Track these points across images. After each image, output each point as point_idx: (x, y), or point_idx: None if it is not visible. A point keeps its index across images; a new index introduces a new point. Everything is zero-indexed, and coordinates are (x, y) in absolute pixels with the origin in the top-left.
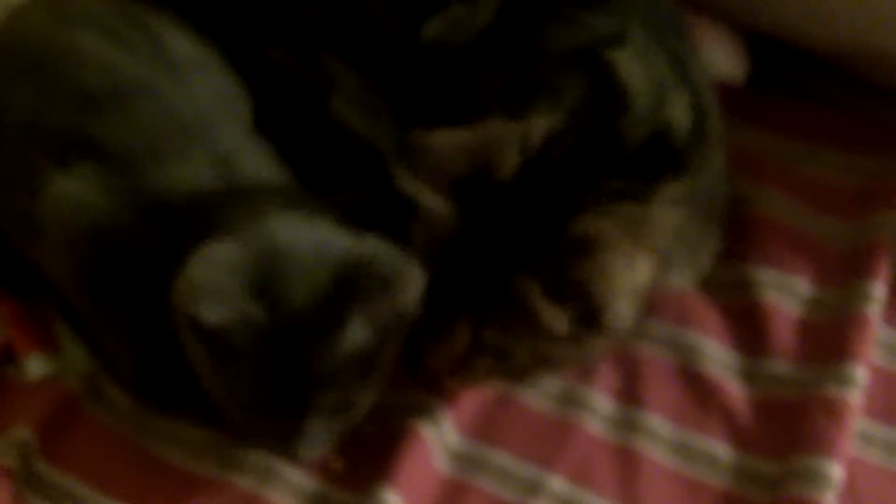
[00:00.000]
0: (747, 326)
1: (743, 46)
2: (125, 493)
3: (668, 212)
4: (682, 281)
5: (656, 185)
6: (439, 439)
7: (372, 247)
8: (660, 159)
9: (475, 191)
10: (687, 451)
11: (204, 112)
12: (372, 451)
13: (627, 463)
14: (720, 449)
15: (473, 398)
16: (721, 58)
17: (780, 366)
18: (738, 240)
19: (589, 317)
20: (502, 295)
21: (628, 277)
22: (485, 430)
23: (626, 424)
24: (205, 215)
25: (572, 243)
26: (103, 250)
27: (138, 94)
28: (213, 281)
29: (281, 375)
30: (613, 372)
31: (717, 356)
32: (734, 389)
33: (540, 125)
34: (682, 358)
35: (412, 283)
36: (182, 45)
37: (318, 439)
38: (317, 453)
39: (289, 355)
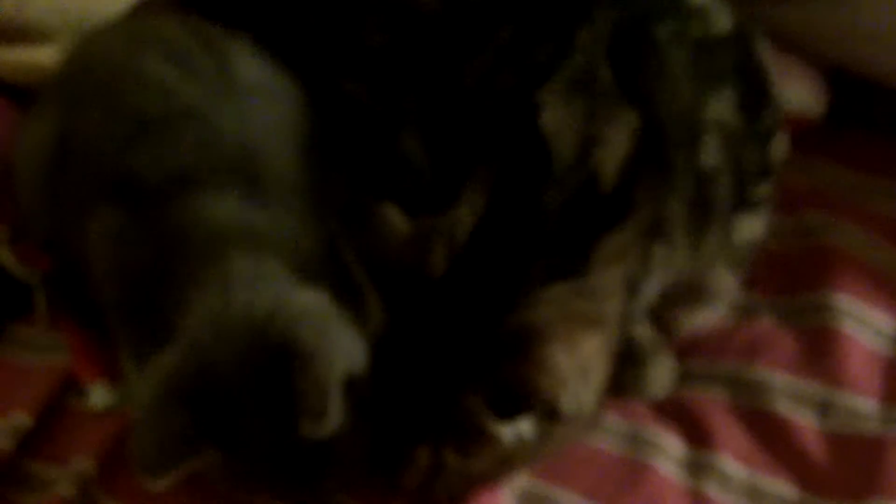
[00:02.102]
0: (822, 357)
1: (822, 81)
2: None
3: (609, 271)
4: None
5: (589, 249)
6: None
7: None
8: (589, 209)
9: (408, 289)
10: (758, 495)
11: (256, 140)
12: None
13: None
14: (791, 491)
15: None
16: (800, 93)
17: (856, 400)
18: (813, 272)
19: (545, 413)
20: (453, 415)
21: (573, 363)
22: (552, 469)
23: (697, 467)
24: (204, 261)
25: (508, 341)
26: (141, 287)
27: (188, 119)
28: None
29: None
30: (681, 415)
31: (788, 389)
32: (806, 423)
33: (465, 218)
34: (750, 397)
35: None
36: (251, 70)
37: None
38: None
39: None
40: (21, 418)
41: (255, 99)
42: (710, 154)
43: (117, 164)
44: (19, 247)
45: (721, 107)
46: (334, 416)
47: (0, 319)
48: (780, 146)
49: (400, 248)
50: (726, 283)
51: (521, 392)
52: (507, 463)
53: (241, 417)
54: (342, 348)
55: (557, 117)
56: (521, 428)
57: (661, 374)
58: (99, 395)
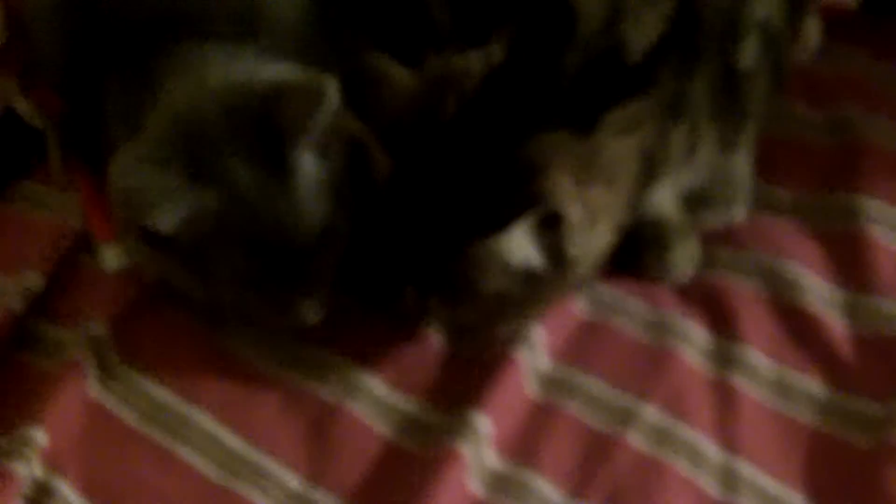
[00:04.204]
0: (850, 260)
1: None
2: (201, 393)
3: (621, 139)
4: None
5: (602, 112)
6: (531, 363)
7: (281, 75)
8: (609, 78)
9: (418, 136)
10: (784, 389)
11: None
12: (464, 374)
13: (723, 397)
14: (819, 388)
15: (567, 322)
16: None
17: (885, 303)
18: (843, 168)
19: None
20: (444, 264)
21: (578, 196)
22: (576, 353)
23: (723, 357)
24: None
25: (511, 176)
26: None
27: None
28: (150, 185)
29: (258, 246)
30: (707, 304)
31: (817, 289)
32: (835, 325)
33: (475, 66)
34: (779, 291)
35: (331, 95)
36: None
37: (322, 282)
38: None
39: (255, 226)
40: (33, 278)
41: None
42: (749, 55)
43: (125, 13)
44: (33, 93)
45: (768, 6)
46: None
47: (13, 173)
48: (813, 34)
49: (409, 102)
50: (747, 178)
51: (528, 202)
52: (492, 314)
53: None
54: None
55: None
56: (529, 253)
57: (684, 258)
58: (111, 255)
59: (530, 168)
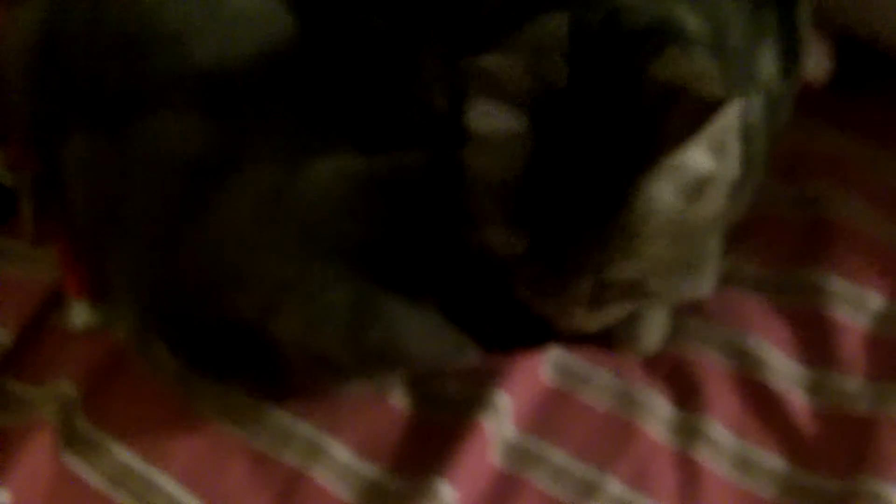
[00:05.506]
0: (814, 338)
1: (828, 46)
2: (167, 457)
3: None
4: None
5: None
6: (497, 431)
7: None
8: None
9: (541, 106)
10: (746, 464)
11: (234, 70)
12: (429, 440)
13: (686, 471)
14: (781, 464)
15: (533, 391)
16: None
17: (848, 381)
18: (811, 244)
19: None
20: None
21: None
22: (543, 424)
23: (687, 431)
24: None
25: (655, 100)
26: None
27: (164, 42)
28: None
29: None
30: (672, 376)
31: (781, 366)
32: (798, 402)
33: (560, 21)
34: (744, 365)
35: None
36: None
37: None
38: None
39: None
40: (2, 334)
41: (242, 27)
42: (755, 111)
43: (92, 78)
44: (7, 150)
45: (768, 65)
46: None
47: None
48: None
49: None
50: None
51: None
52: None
53: None
54: None
55: None
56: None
57: (654, 330)
58: (80, 314)
59: (671, 89)
